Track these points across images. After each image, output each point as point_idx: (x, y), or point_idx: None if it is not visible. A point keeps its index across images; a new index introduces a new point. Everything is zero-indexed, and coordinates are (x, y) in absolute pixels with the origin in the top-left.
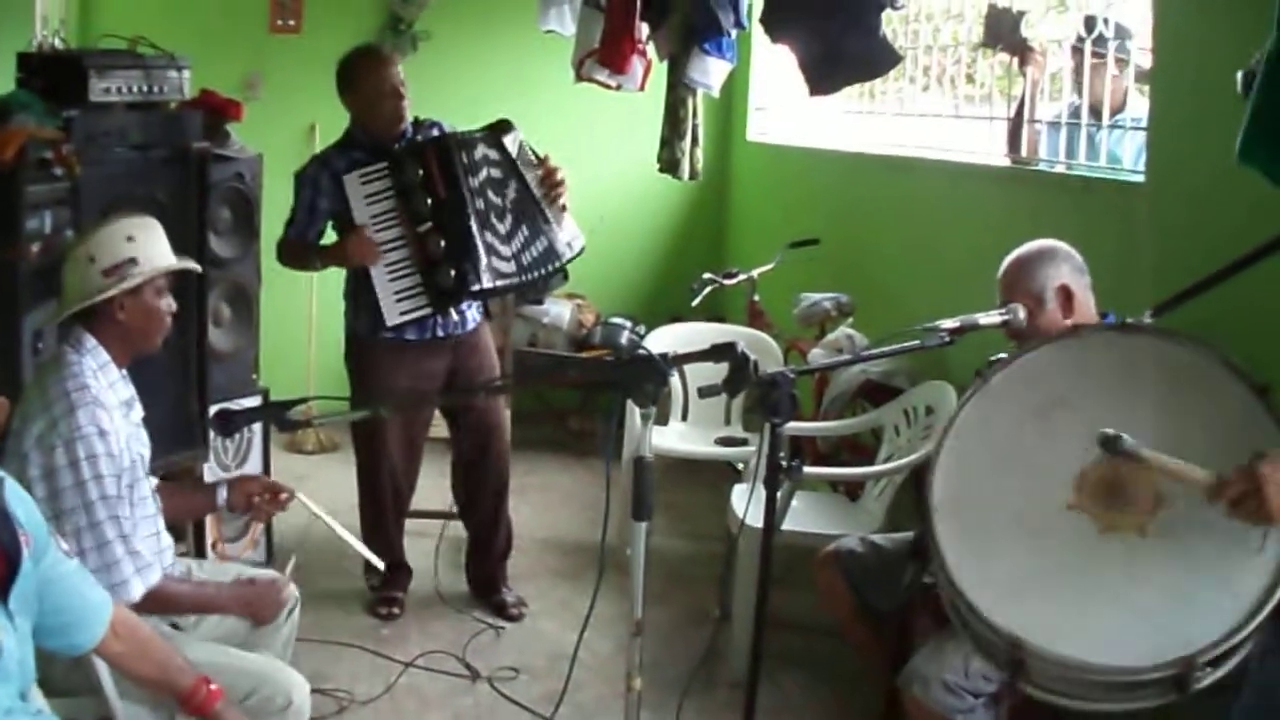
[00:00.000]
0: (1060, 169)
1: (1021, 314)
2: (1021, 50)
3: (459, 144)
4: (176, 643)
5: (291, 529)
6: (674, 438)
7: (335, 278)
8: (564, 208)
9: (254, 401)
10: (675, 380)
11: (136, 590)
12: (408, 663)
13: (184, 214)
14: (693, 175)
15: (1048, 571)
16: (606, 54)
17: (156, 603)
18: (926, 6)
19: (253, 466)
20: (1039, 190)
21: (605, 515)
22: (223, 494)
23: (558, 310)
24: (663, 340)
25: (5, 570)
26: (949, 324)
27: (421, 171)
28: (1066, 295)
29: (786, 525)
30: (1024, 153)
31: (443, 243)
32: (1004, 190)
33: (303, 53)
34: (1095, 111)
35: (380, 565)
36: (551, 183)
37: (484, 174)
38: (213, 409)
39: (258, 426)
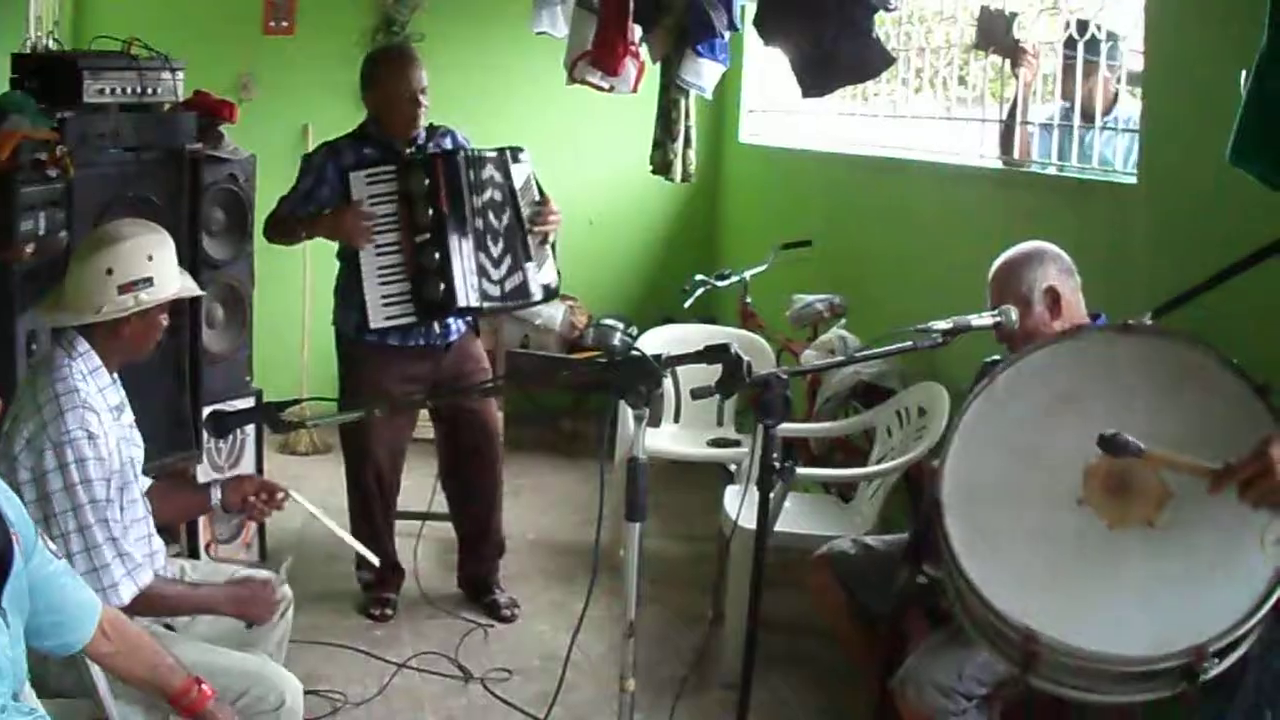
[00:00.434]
0: (1052, 171)
1: (1014, 315)
2: (1014, 52)
3: (469, 161)
4: (168, 642)
5: (285, 530)
6: (667, 439)
7: (331, 279)
8: (550, 247)
9: (247, 403)
10: (668, 382)
11: (127, 592)
12: (401, 664)
13: (177, 215)
14: (685, 177)
15: (1058, 565)
16: (599, 55)
17: (148, 604)
18: (919, 9)
19: (246, 468)
20: (1031, 192)
21: (599, 517)
22: (217, 494)
23: (550, 312)
24: (655, 341)
25: None
26: (942, 325)
27: (429, 182)
28: (1054, 297)
29: (779, 526)
30: (1016, 155)
31: (437, 255)
32: (996, 192)
33: (296, 54)
34: (1085, 114)
35: (375, 561)
36: (543, 219)
37: (487, 195)
38: (206, 410)
39: (251, 428)
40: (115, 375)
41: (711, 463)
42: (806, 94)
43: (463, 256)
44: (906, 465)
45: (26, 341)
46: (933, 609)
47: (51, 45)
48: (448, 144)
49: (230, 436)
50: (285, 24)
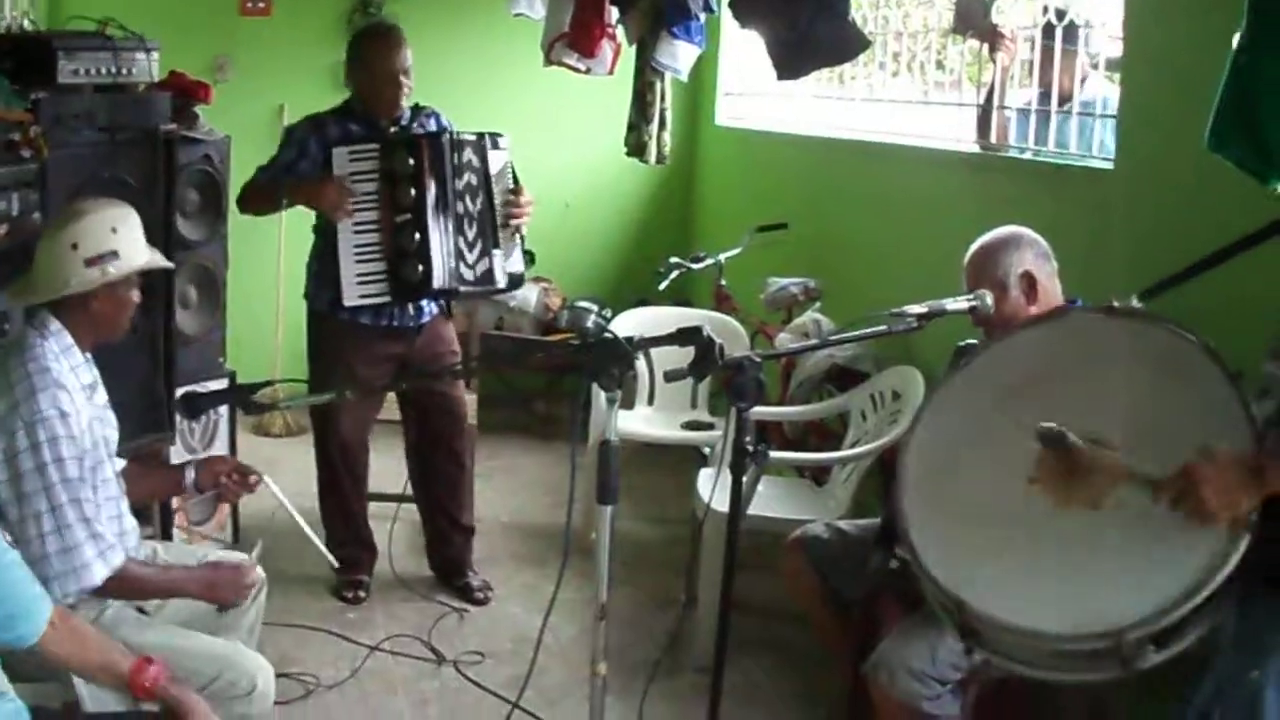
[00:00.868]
0: (1029, 155)
1: (989, 300)
2: (992, 36)
3: (454, 144)
4: (140, 627)
5: (259, 511)
6: (640, 422)
7: (302, 258)
8: (519, 238)
9: (221, 384)
10: (641, 364)
11: (99, 573)
12: (373, 646)
13: (152, 196)
14: (660, 159)
15: (999, 539)
16: (576, 37)
17: (120, 586)
18: None
19: (219, 449)
20: (1008, 176)
21: (570, 499)
22: (190, 474)
23: (524, 294)
24: (629, 324)
25: None
26: (917, 309)
27: (413, 162)
28: (1030, 282)
29: (752, 510)
30: (994, 139)
31: (417, 237)
32: (973, 176)
33: (272, 35)
34: (1061, 99)
35: (335, 564)
36: (514, 209)
37: (465, 179)
38: (179, 392)
39: (225, 409)
40: (88, 355)
41: (685, 445)
42: (781, 77)
43: (442, 239)
44: (880, 449)
45: (0, 322)
46: (905, 593)
47: (27, 25)
48: (431, 125)
49: (203, 418)
50: (262, 5)
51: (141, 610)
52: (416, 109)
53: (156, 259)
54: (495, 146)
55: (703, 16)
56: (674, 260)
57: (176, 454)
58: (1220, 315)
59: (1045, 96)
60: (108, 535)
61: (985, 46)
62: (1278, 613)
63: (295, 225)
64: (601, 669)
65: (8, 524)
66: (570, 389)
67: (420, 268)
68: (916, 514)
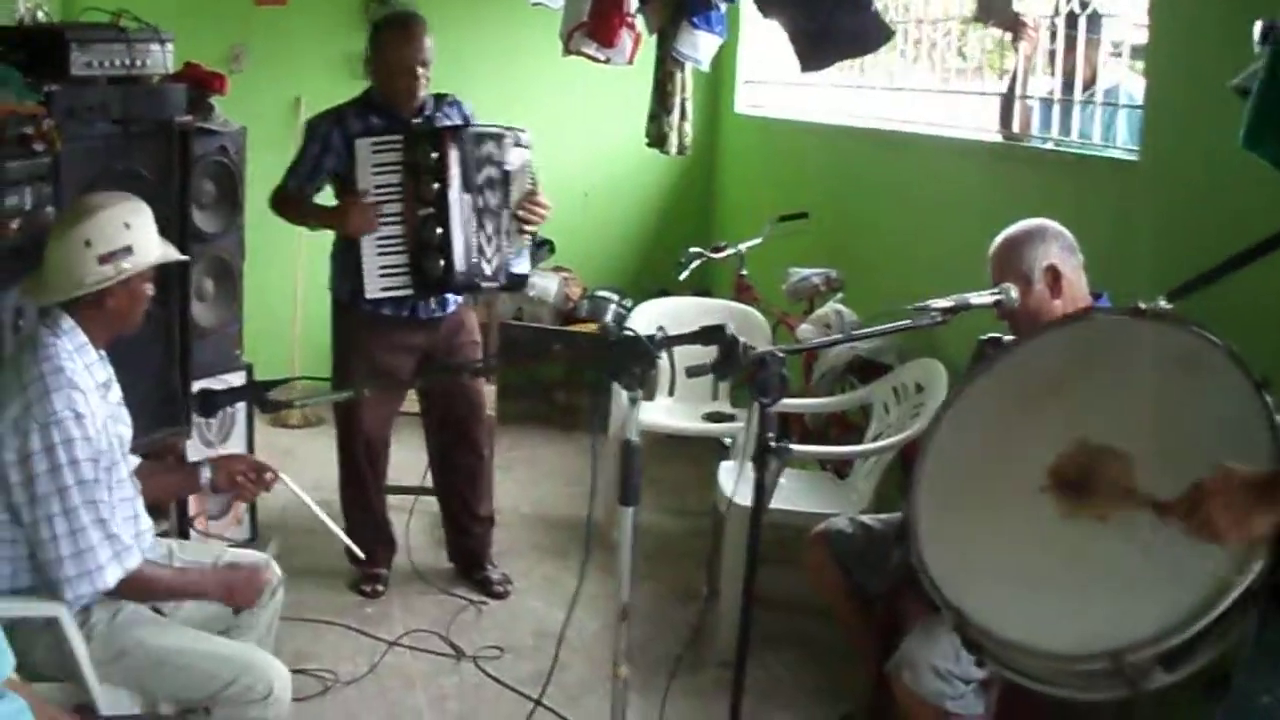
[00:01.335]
0: (1052, 146)
1: (1014, 294)
2: (1014, 25)
3: (478, 137)
4: (157, 629)
5: (275, 506)
6: (661, 413)
7: (322, 252)
8: (528, 239)
9: (238, 378)
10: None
11: (113, 576)
12: (392, 641)
13: (167, 188)
14: (680, 150)
15: (1004, 551)
16: (595, 27)
17: (135, 588)
18: None
19: (236, 442)
20: (1031, 167)
21: (592, 493)
22: (206, 473)
23: (544, 283)
24: (650, 314)
25: None
26: (941, 304)
27: (436, 156)
28: (1055, 275)
29: (774, 503)
30: (1016, 128)
31: (439, 230)
32: (995, 166)
33: (288, 25)
34: (1069, 88)
35: (360, 555)
36: (529, 210)
37: (486, 172)
38: (196, 385)
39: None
40: (102, 352)
41: (705, 437)
42: (805, 69)
43: (465, 233)
44: (903, 443)
45: (14, 318)
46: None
47: (40, 17)
48: (454, 115)
49: (222, 414)
50: None
51: (158, 610)
52: (439, 98)
53: (170, 252)
54: (518, 144)
55: (723, 6)
56: (694, 250)
57: (193, 447)
58: (1249, 316)
59: (1066, 86)
60: (123, 537)
61: (1008, 35)
62: None
63: None
64: (623, 671)
65: (22, 526)
66: (590, 379)
67: (442, 261)
68: (926, 517)
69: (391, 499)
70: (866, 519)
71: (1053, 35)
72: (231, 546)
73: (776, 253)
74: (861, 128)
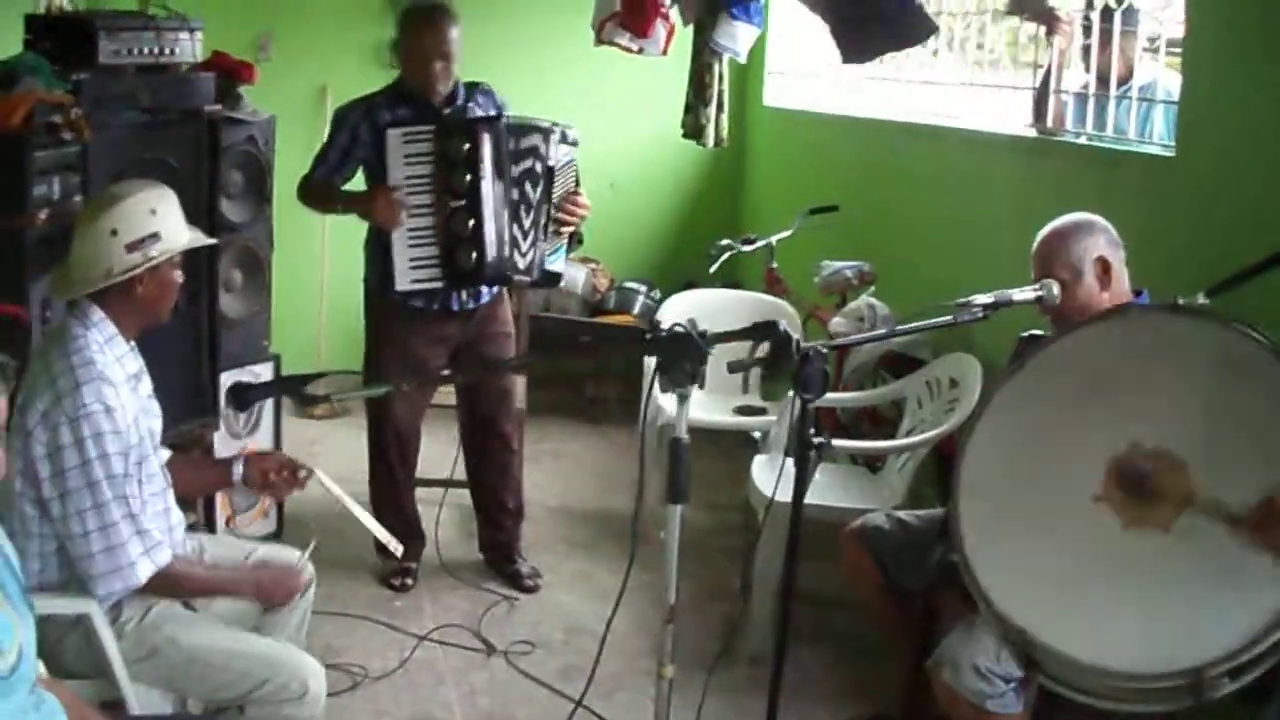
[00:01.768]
0: (1085, 140)
1: (1056, 290)
2: (1049, 18)
3: (511, 129)
4: (187, 624)
5: (302, 499)
6: (693, 406)
7: (348, 241)
8: (565, 237)
9: (266, 369)
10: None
11: (145, 571)
12: (422, 636)
13: (196, 178)
14: (718, 142)
15: (1064, 564)
16: (629, 17)
17: (167, 584)
18: None
19: (264, 433)
20: (1064, 161)
21: (639, 491)
22: (238, 470)
23: (572, 274)
24: (679, 307)
25: None
26: (983, 299)
27: (469, 147)
28: (1104, 267)
29: (807, 498)
30: (1050, 123)
31: (471, 223)
32: (1027, 160)
33: (315, 13)
34: (1103, 82)
35: (398, 549)
36: (569, 209)
37: (525, 164)
38: (225, 379)
39: None
40: (132, 343)
41: (735, 431)
42: (847, 60)
43: (497, 226)
44: (939, 438)
45: (42, 308)
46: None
47: (66, 5)
48: (487, 105)
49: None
50: None
51: (189, 606)
52: (472, 87)
53: (199, 237)
54: (564, 140)
55: None
56: (724, 242)
57: (220, 439)
58: None
59: (1101, 81)
60: (154, 532)
61: (1042, 29)
62: None
63: None
64: (668, 672)
65: (51, 521)
66: (619, 371)
67: (474, 254)
68: (973, 528)
69: (419, 492)
70: (903, 515)
71: (1087, 30)
72: (260, 540)
73: (807, 245)
74: (892, 120)
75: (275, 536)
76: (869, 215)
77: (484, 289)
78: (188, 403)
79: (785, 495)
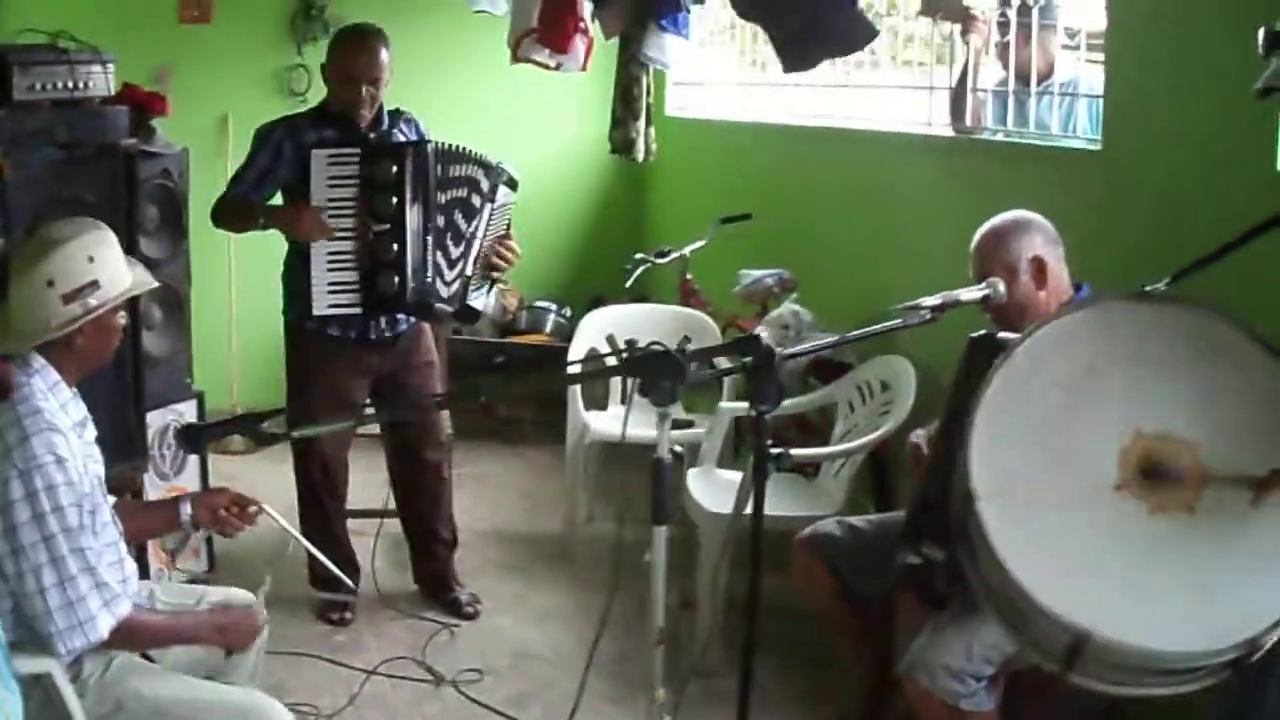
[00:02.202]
0: (1004, 138)
1: (1002, 288)
2: (963, 17)
3: (439, 154)
4: (149, 676)
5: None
6: (614, 422)
7: (256, 273)
8: (491, 282)
9: (189, 406)
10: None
11: (106, 625)
12: (370, 671)
13: (113, 215)
14: (647, 155)
15: (1102, 556)
16: (546, 33)
17: (128, 636)
18: None
19: (190, 473)
20: (986, 159)
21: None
22: (186, 510)
23: None
24: (597, 324)
25: None
26: (930, 301)
27: (395, 170)
28: (1039, 267)
29: (749, 510)
30: (968, 122)
31: (395, 247)
32: (947, 160)
33: (214, 43)
34: (1023, 79)
35: (352, 585)
36: (501, 254)
37: (456, 193)
38: (151, 419)
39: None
40: (74, 389)
41: (651, 444)
42: (789, 69)
43: (421, 252)
44: (883, 438)
45: None
46: (927, 590)
47: None
48: (410, 132)
49: (171, 443)
50: (201, 12)
51: (148, 658)
52: (395, 114)
53: (142, 278)
54: (509, 185)
55: (692, 8)
56: (639, 256)
57: (150, 481)
58: (1244, 298)
59: (1021, 78)
60: (112, 584)
61: (957, 28)
62: None
63: (246, 237)
64: (660, 695)
65: (5, 578)
66: (531, 392)
67: (396, 280)
68: (1005, 540)
69: (350, 523)
70: (855, 521)
71: (1004, 27)
72: (193, 581)
73: (721, 256)
74: (802, 126)
75: (208, 575)
76: (784, 223)
77: (401, 318)
78: (117, 446)
79: (722, 507)
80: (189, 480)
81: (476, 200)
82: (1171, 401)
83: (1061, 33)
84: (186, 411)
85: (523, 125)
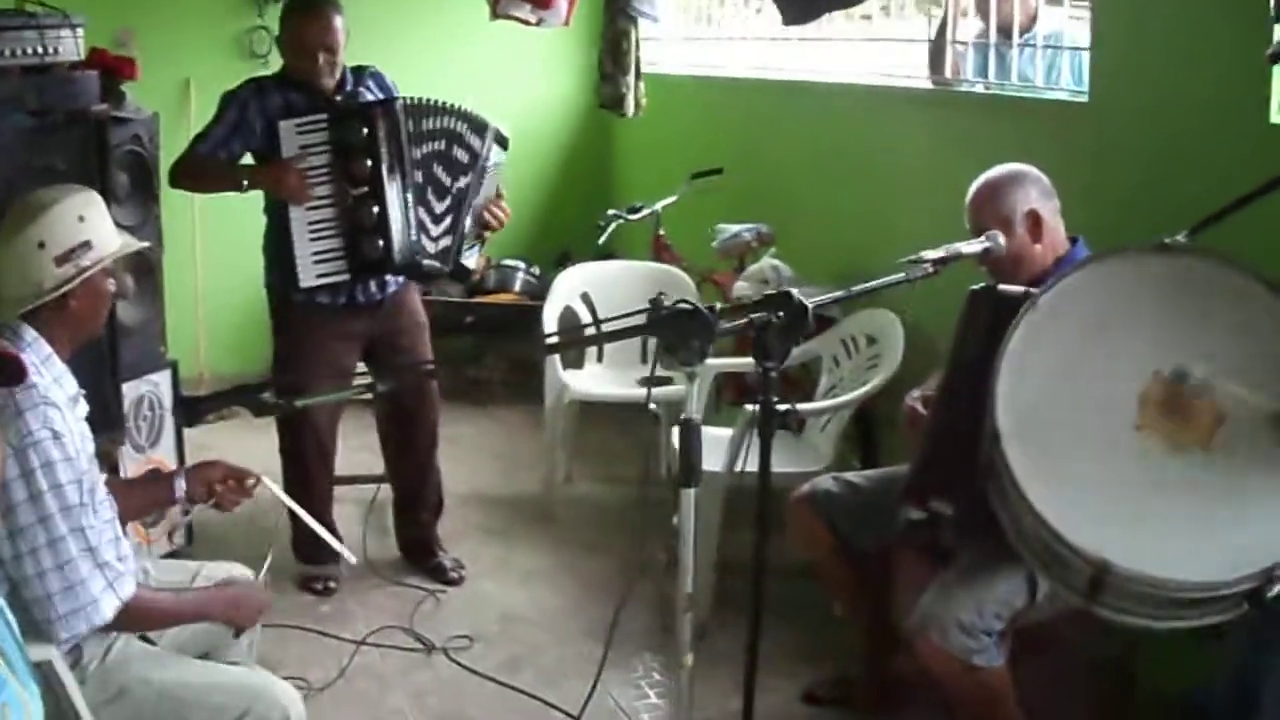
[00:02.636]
0: (986, 90)
1: (1002, 240)
2: None
3: (409, 110)
4: (152, 661)
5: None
6: (591, 381)
7: (221, 238)
8: (481, 242)
9: (164, 376)
10: (587, 318)
11: (109, 608)
12: (359, 641)
13: (86, 182)
14: (637, 110)
15: (1123, 492)
16: None
17: (135, 617)
18: None
19: (166, 443)
20: (968, 112)
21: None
22: (181, 485)
23: None
24: (572, 282)
25: None
26: (932, 255)
27: (366, 131)
28: (1035, 220)
29: (739, 466)
30: (948, 74)
31: (375, 210)
32: (926, 113)
33: (174, 6)
34: (1004, 32)
35: (351, 558)
36: (492, 212)
37: (432, 146)
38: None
39: (165, 398)
40: (66, 362)
41: (632, 403)
42: (789, 22)
43: (403, 211)
44: (874, 391)
45: None
46: (930, 545)
47: None
48: (376, 89)
49: (148, 412)
50: None
51: (147, 640)
52: (359, 71)
53: (130, 241)
54: (500, 143)
55: None
56: (611, 212)
57: (126, 454)
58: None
59: (1001, 31)
60: (115, 564)
61: None
62: None
63: (211, 202)
64: (688, 661)
65: (1, 563)
66: (498, 351)
67: (380, 242)
68: (1029, 477)
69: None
70: (851, 477)
71: None
72: (173, 554)
73: (693, 211)
74: (773, 79)
75: (186, 549)
76: (758, 177)
77: (391, 279)
78: (93, 419)
79: (713, 466)
80: (165, 452)
81: (462, 154)
82: (1189, 345)
83: None
84: (161, 381)
85: (486, 81)
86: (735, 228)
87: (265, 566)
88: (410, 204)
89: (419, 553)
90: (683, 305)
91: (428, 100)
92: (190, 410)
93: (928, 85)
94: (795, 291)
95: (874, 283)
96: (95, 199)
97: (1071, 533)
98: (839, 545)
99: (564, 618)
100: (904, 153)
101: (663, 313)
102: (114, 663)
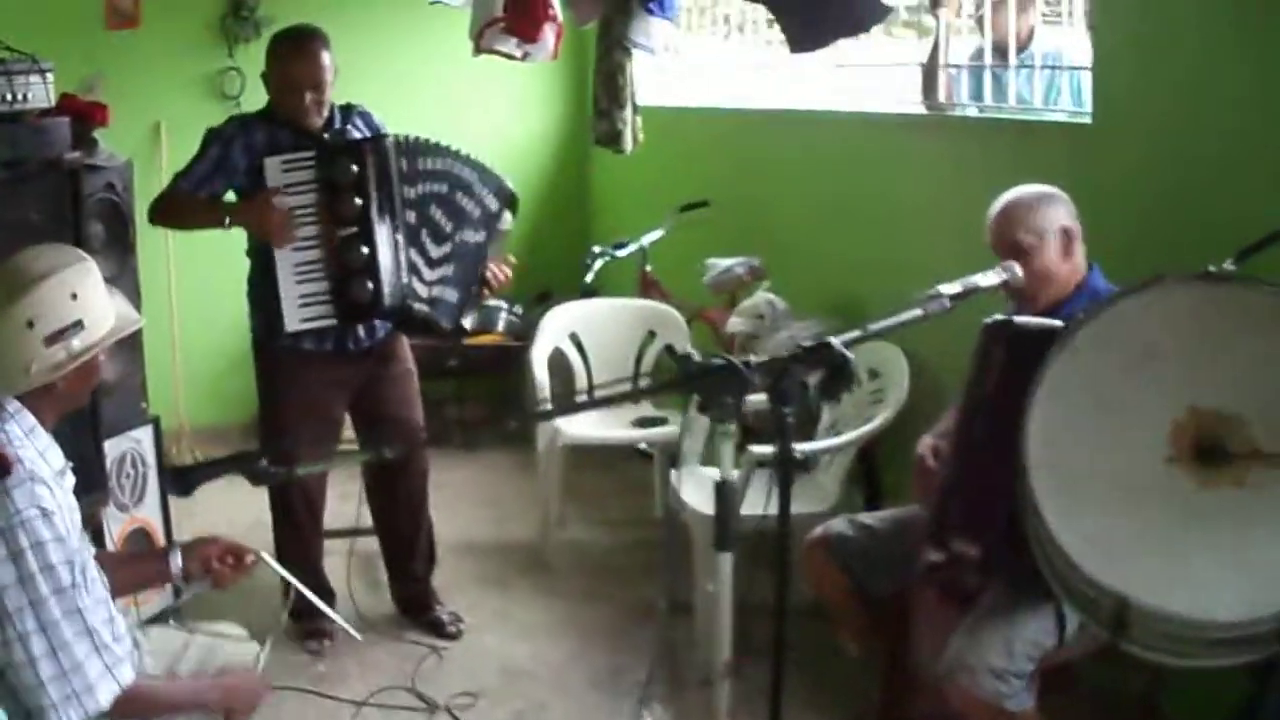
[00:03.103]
0: (987, 113)
1: (1019, 270)
2: None
3: (401, 148)
4: None
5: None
6: (584, 423)
7: (197, 286)
8: (481, 299)
9: (146, 432)
10: (576, 360)
11: (106, 695)
12: (359, 702)
13: (59, 235)
14: (635, 144)
15: (1148, 526)
16: (517, 22)
17: (132, 706)
18: None
19: (150, 501)
20: (963, 136)
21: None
22: (177, 561)
23: None
24: (562, 322)
25: None
26: (949, 289)
27: (355, 168)
28: (1068, 237)
29: (745, 509)
30: (941, 98)
31: (365, 250)
32: (918, 138)
33: (143, 49)
34: (1001, 52)
35: (358, 636)
36: (498, 270)
37: (429, 188)
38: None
39: (148, 454)
40: (51, 433)
41: (623, 444)
42: (796, 50)
43: (394, 252)
44: (882, 428)
45: None
46: (951, 587)
47: None
48: (364, 127)
49: (131, 472)
50: (128, 18)
51: None
52: (347, 110)
53: (124, 314)
54: (511, 206)
55: None
56: (597, 249)
57: (110, 514)
58: None
59: (996, 51)
60: (114, 647)
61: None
62: None
63: (186, 249)
64: None
65: None
66: (481, 394)
67: (370, 284)
68: (1054, 508)
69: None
70: (865, 518)
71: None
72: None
73: (680, 246)
74: (758, 109)
75: (173, 607)
76: (746, 209)
77: (378, 324)
78: (76, 483)
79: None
80: (150, 510)
81: (470, 205)
82: (1225, 378)
83: (1040, 4)
84: (143, 438)
85: (464, 115)
86: (726, 262)
87: (265, 650)
88: (401, 244)
89: (415, 607)
90: (715, 361)
91: (425, 140)
92: (183, 481)
93: (921, 110)
94: (836, 341)
95: (891, 320)
96: (89, 269)
97: (1090, 565)
98: (854, 588)
99: (566, 670)
100: (898, 180)
101: (697, 367)
102: None
